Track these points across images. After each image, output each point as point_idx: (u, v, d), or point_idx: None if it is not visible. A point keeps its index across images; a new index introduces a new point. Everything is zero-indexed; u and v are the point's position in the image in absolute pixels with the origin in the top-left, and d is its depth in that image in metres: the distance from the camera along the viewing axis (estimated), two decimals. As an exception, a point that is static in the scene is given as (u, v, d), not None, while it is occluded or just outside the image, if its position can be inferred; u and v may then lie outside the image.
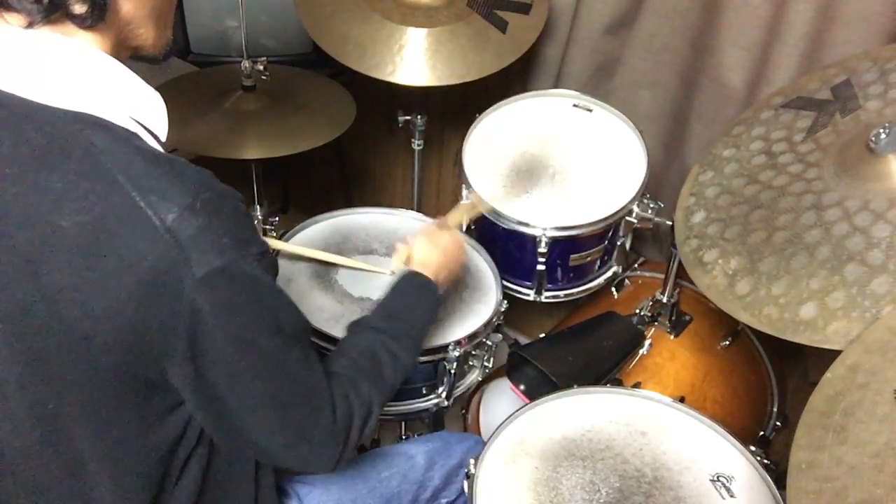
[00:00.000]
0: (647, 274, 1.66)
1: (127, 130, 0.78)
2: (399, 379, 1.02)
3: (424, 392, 1.35)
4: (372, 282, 1.40)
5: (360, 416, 0.93)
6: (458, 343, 1.29)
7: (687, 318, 1.52)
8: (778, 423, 1.48)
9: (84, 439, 0.82)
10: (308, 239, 1.48)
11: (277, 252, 1.42)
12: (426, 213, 1.58)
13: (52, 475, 0.84)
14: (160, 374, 0.80)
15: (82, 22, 0.75)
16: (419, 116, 1.75)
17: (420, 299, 1.11)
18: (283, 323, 0.85)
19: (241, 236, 0.79)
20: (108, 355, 0.76)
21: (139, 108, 0.80)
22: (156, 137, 0.82)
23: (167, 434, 0.85)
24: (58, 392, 0.79)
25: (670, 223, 1.30)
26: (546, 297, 1.52)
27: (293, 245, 1.43)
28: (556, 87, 1.77)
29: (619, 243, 1.52)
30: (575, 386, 1.23)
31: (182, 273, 0.73)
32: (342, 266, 1.41)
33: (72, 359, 0.76)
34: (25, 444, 0.82)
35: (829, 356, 0.93)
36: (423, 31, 1.53)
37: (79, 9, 0.75)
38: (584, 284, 1.55)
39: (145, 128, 0.81)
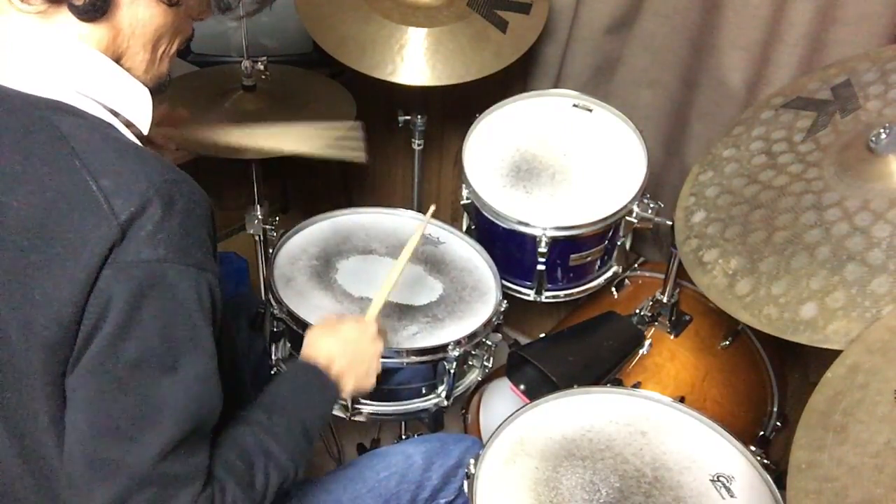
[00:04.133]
0: (647, 274, 1.66)
1: (99, 120, 0.77)
2: (276, 481, 0.87)
3: (424, 392, 1.35)
4: (372, 281, 1.40)
5: None
6: (457, 343, 1.29)
7: (687, 318, 1.52)
8: (778, 423, 1.48)
9: (43, 432, 0.79)
10: (308, 239, 1.48)
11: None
12: (426, 214, 1.58)
13: (16, 469, 0.83)
14: None
15: (79, 12, 0.75)
16: (419, 116, 1.75)
17: (308, 392, 0.97)
18: (184, 377, 0.75)
19: (183, 241, 0.73)
20: (39, 348, 0.73)
21: (121, 101, 0.80)
22: (137, 131, 0.81)
23: None
24: (12, 381, 0.77)
25: (670, 223, 1.30)
26: (546, 297, 1.52)
27: (199, 128, 1.30)
28: (556, 87, 1.77)
29: (619, 243, 1.52)
30: (575, 386, 1.23)
31: (112, 258, 0.70)
32: (251, 139, 1.31)
33: (13, 348, 0.74)
34: None
35: (829, 356, 0.93)
36: (423, 31, 1.53)
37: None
38: (584, 284, 1.55)
39: (126, 121, 0.80)
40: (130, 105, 0.81)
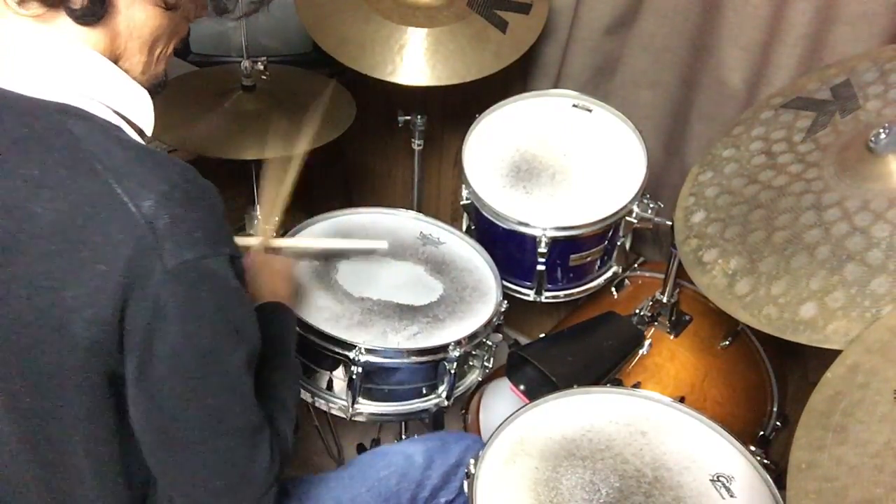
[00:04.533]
0: (647, 274, 1.66)
1: (108, 122, 0.78)
2: (296, 401, 1.02)
3: (424, 392, 1.35)
4: (372, 282, 1.40)
5: (286, 457, 0.91)
6: (458, 343, 1.29)
7: (687, 318, 1.52)
8: (778, 423, 1.48)
9: (62, 434, 0.80)
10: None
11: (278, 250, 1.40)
12: (426, 213, 1.58)
13: (31, 472, 0.83)
14: (121, 380, 0.78)
15: (77, 16, 0.75)
16: (419, 116, 1.75)
17: (285, 324, 1.10)
18: (245, 340, 0.82)
19: (216, 233, 0.77)
20: (77, 349, 0.74)
21: (124, 104, 0.80)
22: (141, 133, 0.82)
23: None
24: (33, 385, 0.78)
25: (670, 223, 1.30)
26: (546, 297, 1.52)
27: (295, 240, 1.40)
28: (556, 87, 1.77)
29: (619, 243, 1.52)
30: (575, 386, 1.23)
31: (153, 263, 0.72)
32: (339, 249, 1.40)
33: (46, 350, 0.75)
34: (2, 438, 0.82)
35: (829, 356, 0.93)
36: (423, 31, 1.53)
37: (77, 1, 0.75)
38: (584, 284, 1.55)
39: (130, 122, 0.81)
40: (133, 106, 0.81)
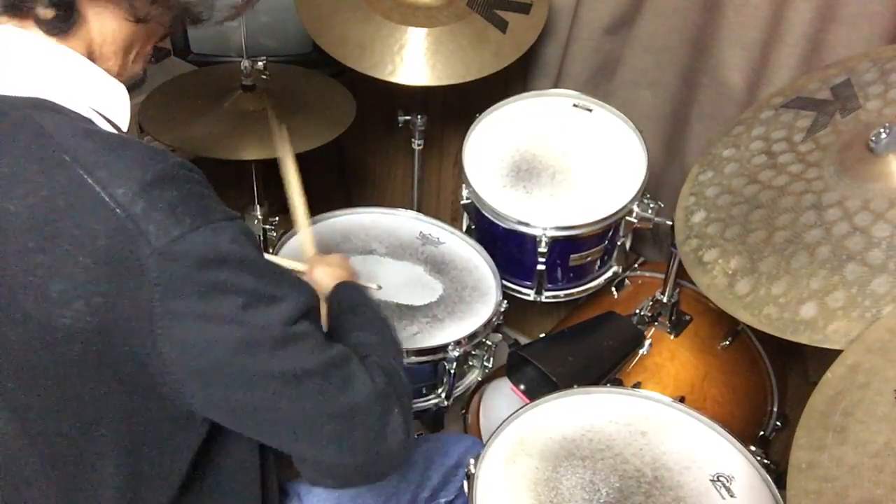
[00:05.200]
0: (647, 274, 1.66)
1: (79, 115, 0.77)
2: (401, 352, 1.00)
3: (424, 392, 1.35)
4: (371, 281, 1.40)
5: (395, 384, 0.87)
6: (457, 343, 1.29)
7: (687, 318, 1.52)
8: (778, 423, 1.48)
9: (62, 431, 0.79)
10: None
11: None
12: (426, 213, 1.58)
13: (31, 468, 0.83)
14: (140, 370, 0.75)
15: (46, 29, 0.76)
16: (419, 116, 1.75)
17: (357, 297, 1.06)
18: (279, 294, 0.77)
19: (199, 204, 0.74)
20: (70, 343, 0.73)
21: (99, 99, 0.80)
22: (116, 127, 0.81)
23: (160, 432, 0.81)
24: (27, 383, 0.77)
25: (670, 223, 1.30)
26: (546, 297, 1.52)
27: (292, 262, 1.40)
28: (556, 87, 1.77)
29: (619, 243, 1.52)
30: (575, 386, 1.23)
31: (139, 248, 0.70)
32: None
33: (35, 347, 0.74)
34: (2, 436, 0.81)
35: (829, 356, 0.93)
36: (423, 31, 1.53)
37: (44, 14, 0.75)
38: (584, 284, 1.55)
39: (105, 118, 0.80)
40: (108, 102, 0.81)
